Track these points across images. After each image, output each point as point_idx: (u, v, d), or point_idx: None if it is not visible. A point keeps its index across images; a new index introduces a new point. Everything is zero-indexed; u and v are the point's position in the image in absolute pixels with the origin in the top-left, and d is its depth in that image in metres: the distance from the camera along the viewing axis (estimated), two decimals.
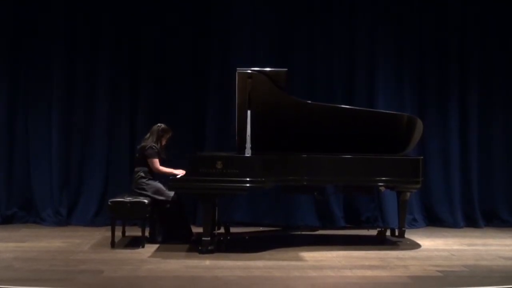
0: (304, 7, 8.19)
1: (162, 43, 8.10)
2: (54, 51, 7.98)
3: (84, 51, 8.04)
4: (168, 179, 6.53)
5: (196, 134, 8.11)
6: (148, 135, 6.84)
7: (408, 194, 6.76)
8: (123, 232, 6.98)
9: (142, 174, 6.68)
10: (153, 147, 6.70)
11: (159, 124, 6.87)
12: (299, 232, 7.25)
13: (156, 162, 6.67)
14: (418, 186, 6.75)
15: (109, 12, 8.05)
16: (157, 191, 6.62)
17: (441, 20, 8.29)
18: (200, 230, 6.50)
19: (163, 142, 6.86)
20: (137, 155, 6.84)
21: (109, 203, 6.50)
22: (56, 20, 7.98)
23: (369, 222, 8.06)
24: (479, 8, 8.29)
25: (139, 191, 6.63)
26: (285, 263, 5.82)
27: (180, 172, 6.56)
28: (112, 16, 8.05)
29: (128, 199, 6.47)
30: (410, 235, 7.28)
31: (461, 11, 8.28)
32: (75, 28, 8.04)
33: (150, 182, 6.67)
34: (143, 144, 6.77)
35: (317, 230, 7.35)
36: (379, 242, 6.92)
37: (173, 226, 6.72)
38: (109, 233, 6.50)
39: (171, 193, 6.60)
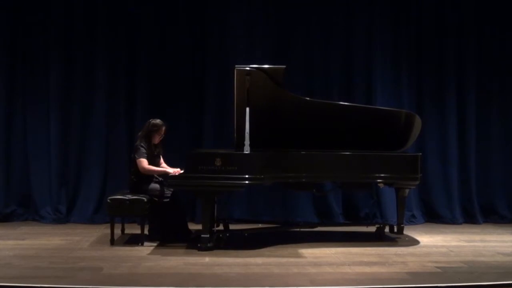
0: (303, 5, 8.18)
1: (161, 41, 8.09)
2: (52, 49, 7.98)
3: (82, 49, 8.03)
4: (165, 177, 6.54)
5: (195, 131, 8.10)
6: (140, 133, 6.73)
7: (407, 190, 6.77)
8: (122, 230, 6.99)
9: (135, 179, 6.62)
10: (140, 146, 6.53)
11: (150, 120, 6.71)
12: (298, 229, 7.26)
13: (142, 162, 6.49)
14: (417, 182, 6.77)
15: (106, 11, 8.04)
16: (151, 193, 6.57)
17: (440, 18, 8.29)
18: (199, 227, 6.50)
19: (156, 138, 6.66)
20: (132, 154, 6.77)
21: (108, 200, 6.49)
22: (54, 19, 7.97)
23: (368, 218, 8.07)
24: (479, 6, 8.29)
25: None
26: (284, 259, 5.83)
27: (172, 171, 6.52)
28: (109, 15, 8.04)
29: (127, 196, 6.46)
30: (409, 231, 7.30)
31: (460, 10, 8.28)
32: (72, 26, 8.02)
33: (144, 185, 6.57)
34: (135, 143, 6.69)
35: (316, 226, 7.36)
36: (377, 238, 6.93)
37: (171, 226, 6.66)
38: (108, 231, 6.51)
39: (168, 193, 6.59)
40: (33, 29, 7.98)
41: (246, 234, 6.75)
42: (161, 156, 6.83)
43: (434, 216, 8.21)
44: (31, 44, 7.99)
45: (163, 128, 6.68)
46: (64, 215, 7.89)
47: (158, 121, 6.68)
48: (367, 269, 5.49)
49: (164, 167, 6.78)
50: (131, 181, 6.67)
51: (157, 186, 6.62)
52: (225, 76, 7.60)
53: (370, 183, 6.99)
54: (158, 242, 6.51)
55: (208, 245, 6.15)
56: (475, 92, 8.30)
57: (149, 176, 6.62)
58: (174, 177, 6.32)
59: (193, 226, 7.07)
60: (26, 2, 7.98)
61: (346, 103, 7.17)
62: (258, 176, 6.16)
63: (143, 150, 6.55)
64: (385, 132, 6.87)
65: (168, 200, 6.59)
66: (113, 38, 8.05)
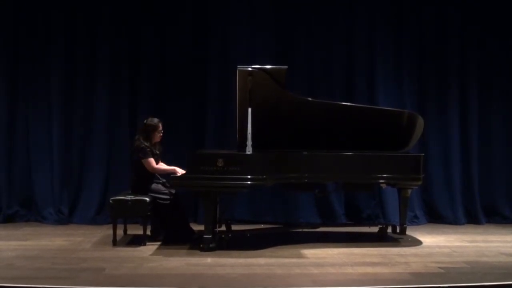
0: (304, 5, 8.17)
1: (162, 40, 8.10)
2: (53, 49, 7.98)
3: (83, 49, 8.03)
4: (167, 178, 6.54)
5: (197, 131, 8.10)
6: (137, 135, 6.70)
7: (409, 191, 6.76)
8: (125, 230, 6.98)
9: (136, 180, 6.62)
10: (144, 147, 6.53)
11: (145, 120, 6.71)
12: (300, 230, 7.27)
13: (151, 162, 6.49)
14: (419, 183, 6.76)
15: (108, 9, 8.04)
16: (153, 193, 6.55)
17: (442, 18, 8.28)
18: (201, 227, 6.50)
19: (157, 136, 6.65)
20: (133, 155, 6.74)
21: (110, 201, 6.49)
22: (55, 18, 7.98)
23: (370, 219, 8.07)
24: (481, 6, 8.29)
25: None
26: (286, 260, 5.83)
27: (181, 170, 6.48)
28: (111, 14, 8.05)
29: (129, 197, 6.46)
30: (411, 232, 7.29)
31: (462, 10, 8.27)
32: (74, 25, 8.03)
33: (145, 186, 6.56)
34: (134, 145, 6.64)
35: (318, 227, 7.36)
36: (380, 239, 6.93)
37: (173, 227, 6.65)
38: (110, 231, 6.52)
39: (170, 193, 6.58)
40: (34, 31, 7.97)
41: (248, 235, 6.76)
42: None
43: (437, 217, 8.20)
44: (32, 46, 7.99)
45: (160, 125, 6.69)
46: (67, 216, 7.90)
47: (153, 119, 6.70)
48: (370, 270, 5.48)
49: (167, 166, 6.76)
50: (132, 181, 6.68)
51: (159, 186, 6.62)
52: (226, 76, 7.61)
53: (372, 183, 6.97)
54: (160, 242, 6.51)
55: (211, 245, 6.14)
56: (477, 92, 8.29)
57: (151, 177, 6.62)
58: (176, 177, 6.31)
59: (195, 227, 7.07)
60: (27, 3, 7.99)
61: (347, 103, 7.16)
62: (260, 177, 6.15)
63: (147, 149, 6.54)
64: (387, 132, 6.86)
65: (169, 200, 6.58)
66: (115, 38, 8.05)
